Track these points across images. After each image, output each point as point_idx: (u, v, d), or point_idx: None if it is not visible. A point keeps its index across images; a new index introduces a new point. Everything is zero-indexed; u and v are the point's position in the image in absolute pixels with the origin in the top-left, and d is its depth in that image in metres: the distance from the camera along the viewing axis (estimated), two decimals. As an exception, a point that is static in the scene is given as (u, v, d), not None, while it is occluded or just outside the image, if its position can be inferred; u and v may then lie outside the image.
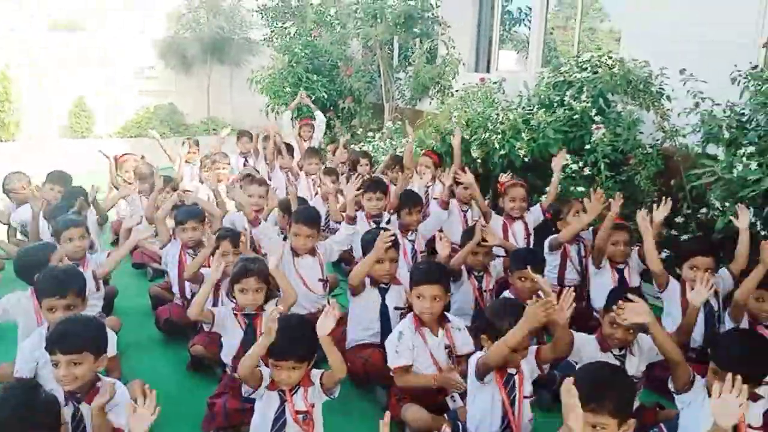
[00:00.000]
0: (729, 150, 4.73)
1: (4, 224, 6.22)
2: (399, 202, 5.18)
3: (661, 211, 4.47)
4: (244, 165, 8.18)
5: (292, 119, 9.51)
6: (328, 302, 4.50)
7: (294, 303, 3.67)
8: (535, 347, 3.17)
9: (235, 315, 3.61)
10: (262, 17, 11.46)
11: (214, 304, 4.00)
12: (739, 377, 2.30)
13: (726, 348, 2.81)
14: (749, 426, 2.73)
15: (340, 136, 9.26)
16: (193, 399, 3.84)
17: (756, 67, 5.11)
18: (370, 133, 8.77)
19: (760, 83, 4.94)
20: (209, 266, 4.24)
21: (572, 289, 3.04)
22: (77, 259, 4.32)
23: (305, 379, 2.93)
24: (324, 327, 2.82)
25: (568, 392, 2.17)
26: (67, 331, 2.74)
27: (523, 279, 3.94)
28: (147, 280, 5.73)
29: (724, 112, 5.19)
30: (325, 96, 10.23)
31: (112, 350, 3.63)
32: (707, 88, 5.30)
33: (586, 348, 3.38)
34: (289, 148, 7.72)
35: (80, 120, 14.54)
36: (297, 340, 2.84)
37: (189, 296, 4.63)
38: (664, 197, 4.66)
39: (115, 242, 6.63)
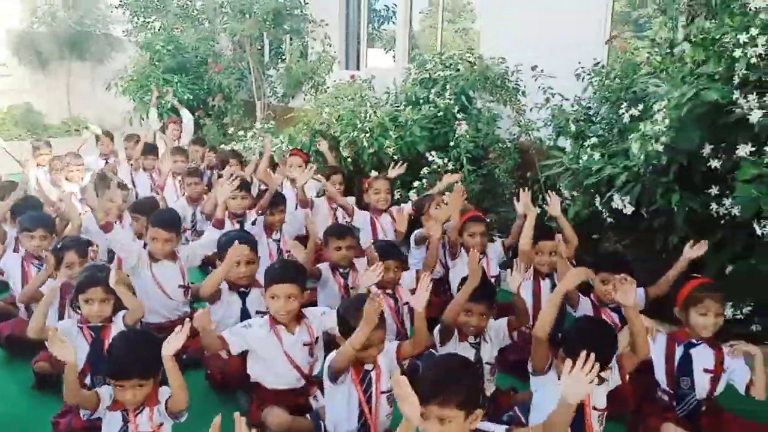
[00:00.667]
0: (576, 142, 5.04)
1: None
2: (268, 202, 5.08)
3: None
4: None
5: (159, 118, 9.14)
6: (191, 311, 4.40)
7: (141, 317, 3.47)
8: (395, 344, 3.18)
9: (80, 328, 3.39)
10: (124, 12, 10.88)
11: (60, 317, 3.74)
12: (592, 355, 2.42)
13: (572, 334, 2.93)
14: (594, 408, 2.88)
15: (211, 136, 9.01)
16: (39, 419, 3.57)
17: (598, 63, 5.46)
18: (241, 132, 8.56)
19: (601, 79, 5.29)
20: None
21: (428, 276, 3.07)
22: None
23: (151, 398, 2.77)
24: (170, 346, 2.67)
25: (398, 383, 2.18)
26: None
27: (387, 270, 3.96)
28: (-8, 295, 5.27)
29: (572, 106, 5.52)
30: (191, 97, 9.88)
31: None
32: (557, 84, 5.62)
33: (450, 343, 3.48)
34: (154, 149, 7.39)
35: None
36: (140, 356, 2.68)
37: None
38: (522, 189, 4.87)
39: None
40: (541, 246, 4.13)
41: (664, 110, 4.01)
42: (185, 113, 8.92)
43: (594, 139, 4.75)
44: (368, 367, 3.01)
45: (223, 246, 3.96)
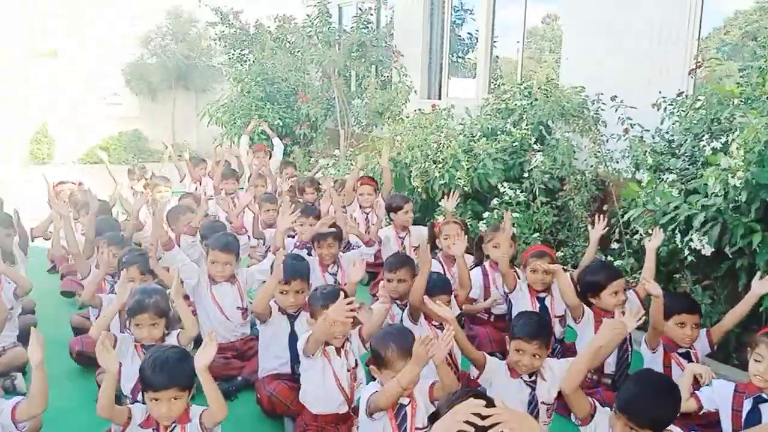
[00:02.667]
0: (653, 175, 4.77)
1: None
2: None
3: (597, 230, 4.55)
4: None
5: (249, 146, 9.50)
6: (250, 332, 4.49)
7: (194, 336, 3.56)
8: (429, 382, 3.08)
9: (135, 346, 3.52)
10: (221, 45, 11.49)
11: (122, 330, 3.90)
12: None
13: (629, 393, 2.62)
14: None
15: (298, 162, 9.28)
16: (97, 432, 3.74)
17: (681, 93, 5.18)
18: (322, 160, 8.76)
19: (685, 109, 5.00)
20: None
21: (450, 326, 2.98)
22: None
23: (184, 415, 2.80)
24: (202, 358, 2.73)
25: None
26: None
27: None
28: (77, 309, 5.60)
29: (653, 137, 5.25)
30: (280, 123, 10.23)
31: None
32: (637, 115, 5.37)
33: (497, 374, 3.33)
34: (233, 173, 7.67)
35: (41, 147, 14.42)
36: (176, 367, 2.73)
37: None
38: (598, 215, 4.68)
39: (51, 269, 6.55)
40: (613, 286, 3.92)
41: (739, 142, 3.74)
42: (276, 142, 9.24)
43: (672, 176, 4.48)
44: (404, 401, 2.93)
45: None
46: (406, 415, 2.92)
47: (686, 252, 4.43)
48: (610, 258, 5.57)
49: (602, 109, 5.93)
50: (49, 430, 3.53)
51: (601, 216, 4.71)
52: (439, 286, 3.86)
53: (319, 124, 10.05)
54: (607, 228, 4.65)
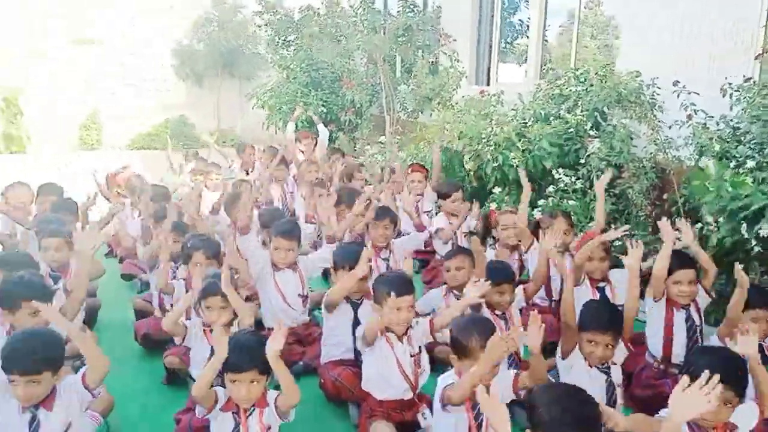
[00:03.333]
0: (720, 163, 4.63)
1: None
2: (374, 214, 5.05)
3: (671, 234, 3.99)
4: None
5: (295, 133, 9.54)
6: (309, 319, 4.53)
7: (250, 323, 3.58)
8: (513, 373, 3.06)
9: (204, 330, 3.58)
10: (266, 31, 11.54)
11: (188, 317, 3.97)
12: (716, 377, 2.19)
13: (702, 361, 2.65)
14: None
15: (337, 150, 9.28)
16: (167, 414, 3.81)
17: (749, 79, 5.02)
18: (368, 146, 8.75)
19: (751, 96, 4.85)
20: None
21: (537, 312, 2.94)
22: (57, 269, 4.34)
23: (261, 400, 2.86)
24: (274, 345, 2.75)
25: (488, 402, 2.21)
26: (24, 351, 2.70)
27: (500, 293, 3.87)
28: (136, 292, 5.73)
29: (717, 124, 5.10)
30: (324, 110, 10.24)
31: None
32: (700, 101, 5.22)
33: (578, 361, 3.33)
34: (284, 161, 7.72)
35: (90, 132, 14.74)
36: (257, 351, 2.77)
37: (168, 309, 4.62)
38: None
39: (108, 253, 6.70)
40: (680, 275, 3.79)
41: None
42: (321, 128, 9.25)
43: (751, 162, 4.35)
44: (481, 392, 2.91)
45: (341, 257, 4.03)
46: (483, 408, 2.90)
47: (753, 242, 4.32)
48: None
49: (657, 94, 5.78)
50: (121, 411, 3.62)
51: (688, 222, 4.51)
52: (501, 274, 3.84)
53: (364, 110, 10.02)
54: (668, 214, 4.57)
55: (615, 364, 3.38)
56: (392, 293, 3.33)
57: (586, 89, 6.27)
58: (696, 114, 5.21)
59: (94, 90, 14.65)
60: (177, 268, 4.61)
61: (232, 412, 2.84)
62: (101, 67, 14.68)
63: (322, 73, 10.70)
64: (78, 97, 14.47)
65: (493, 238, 5.41)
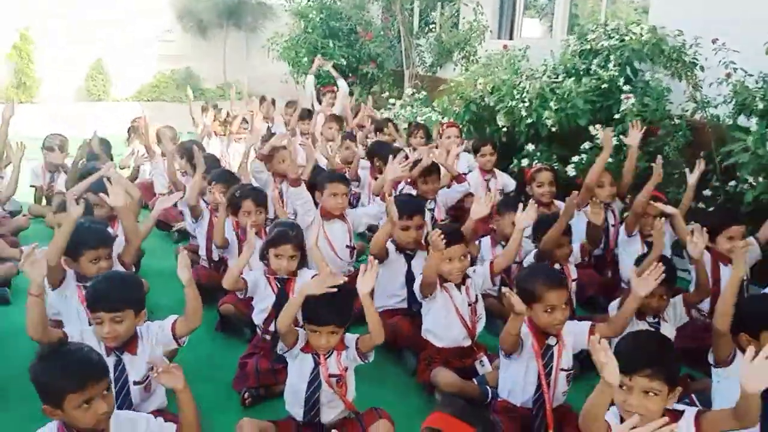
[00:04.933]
0: (762, 122, 4.66)
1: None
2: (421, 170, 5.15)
3: (695, 175, 4.59)
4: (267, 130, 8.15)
5: (315, 86, 9.45)
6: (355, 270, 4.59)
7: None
8: (587, 325, 3.11)
9: (268, 278, 3.63)
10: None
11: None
12: None
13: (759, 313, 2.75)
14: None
15: (362, 102, 9.20)
16: (223, 359, 3.90)
17: (792, 36, 5.00)
18: (391, 101, 8.68)
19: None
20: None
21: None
22: (107, 219, 4.37)
23: (340, 344, 2.95)
24: (365, 283, 2.84)
25: (599, 349, 2.11)
26: (109, 290, 2.79)
27: (560, 246, 3.97)
28: (172, 242, 5.76)
29: (757, 83, 5.11)
30: (344, 62, 10.12)
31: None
32: (739, 58, 5.21)
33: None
34: (309, 114, 7.68)
35: (97, 83, 14.53)
36: (337, 305, 2.86)
37: (216, 258, 4.67)
38: (698, 160, 4.72)
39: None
40: (733, 231, 3.88)
41: None
42: (342, 83, 9.16)
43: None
44: (551, 341, 3.00)
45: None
46: (553, 355, 2.99)
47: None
48: (701, 204, 5.53)
49: (699, 54, 5.75)
50: (182, 356, 3.69)
51: (700, 160, 4.69)
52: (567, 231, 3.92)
53: (384, 63, 9.91)
54: (703, 172, 4.65)
55: (666, 321, 3.47)
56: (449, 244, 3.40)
57: (617, 44, 6.21)
58: (735, 72, 5.21)
59: (96, 40, 14.37)
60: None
61: (312, 354, 2.93)
62: (103, 15, 14.38)
63: (339, 25, 10.54)
64: (82, 47, 14.21)
65: (527, 195, 5.45)
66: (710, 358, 2.96)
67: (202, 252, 4.76)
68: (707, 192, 5.50)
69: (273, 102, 8.60)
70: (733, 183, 5.32)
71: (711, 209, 5.23)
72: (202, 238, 4.73)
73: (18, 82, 13.58)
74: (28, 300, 2.85)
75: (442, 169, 5.28)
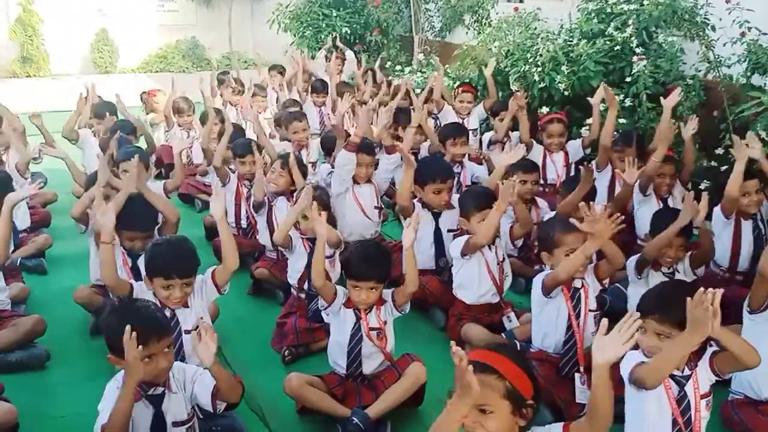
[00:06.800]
0: (776, 79, 4.75)
1: None
2: (442, 134, 5.27)
3: (688, 129, 4.66)
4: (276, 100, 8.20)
5: (326, 57, 9.46)
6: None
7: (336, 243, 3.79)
8: (592, 265, 3.30)
9: (302, 240, 3.77)
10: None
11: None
12: None
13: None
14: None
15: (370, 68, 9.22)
16: (259, 320, 4.07)
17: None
18: (399, 67, 8.72)
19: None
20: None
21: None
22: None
23: (379, 299, 3.10)
24: (409, 237, 3.03)
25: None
26: (180, 257, 2.99)
27: (523, 182, 4.25)
28: (196, 212, 5.89)
29: (770, 41, 5.17)
30: (348, 31, 10.09)
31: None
32: (753, 17, 5.25)
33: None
34: (323, 84, 7.73)
35: (103, 55, 14.46)
36: (377, 262, 3.02)
37: (245, 225, 4.81)
38: (690, 116, 4.84)
39: (158, 175, 6.80)
40: (748, 185, 3.97)
41: None
42: (350, 54, 9.16)
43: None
44: (577, 284, 3.17)
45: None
46: (581, 297, 3.16)
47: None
48: (714, 163, 5.64)
49: (711, 14, 5.79)
50: (220, 319, 3.82)
51: (692, 116, 4.82)
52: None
53: (390, 30, 9.89)
54: (696, 129, 4.71)
55: (680, 273, 3.61)
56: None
57: (640, 5, 6.23)
58: (749, 31, 5.27)
59: (97, 13, 14.25)
60: (251, 186, 4.75)
61: (354, 309, 3.08)
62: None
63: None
64: (86, 18, 14.12)
65: (540, 141, 5.61)
66: (746, 304, 3.01)
67: (231, 219, 4.88)
68: (720, 151, 5.61)
69: (283, 71, 8.63)
70: (745, 142, 5.42)
71: (724, 168, 5.33)
72: (230, 204, 4.84)
73: (23, 57, 13.56)
74: (101, 248, 3.10)
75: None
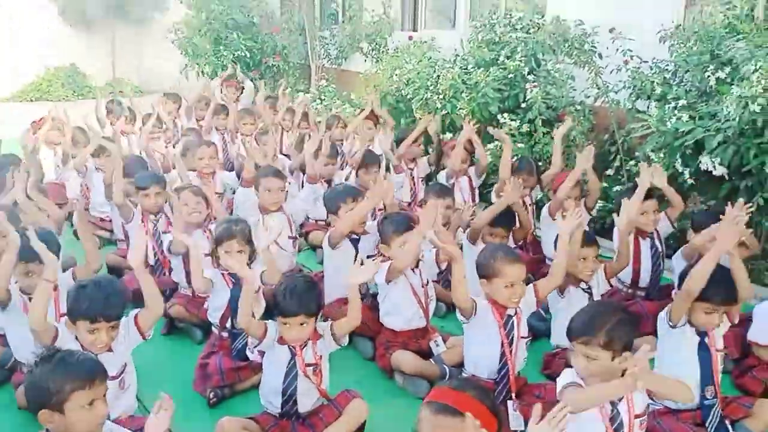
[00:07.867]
0: (660, 105, 5.15)
1: None
2: (360, 161, 5.30)
3: (587, 158, 4.67)
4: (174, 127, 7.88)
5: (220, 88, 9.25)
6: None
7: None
8: (532, 285, 3.36)
9: (222, 274, 3.63)
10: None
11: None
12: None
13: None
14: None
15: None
16: (177, 362, 3.85)
17: (679, 26, 5.55)
18: (299, 94, 8.70)
19: (682, 42, 5.38)
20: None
21: None
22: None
23: (314, 334, 3.02)
24: (361, 274, 3.07)
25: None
26: (109, 298, 2.77)
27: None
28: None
29: (651, 69, 5.62)
30: (248, 55, 9.98)
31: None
32: (635, 46, 5.69)
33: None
34: (225, 109, 7.54)
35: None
36: (306, 296, 2.92)
37: (152, 263, 4.57)
38: (588, 145, 5.13)
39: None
40: (646, 206, 4.21)
41: (760, 72, 4.15)
42: (248, 84, 9.02)
43: (683, 101, 4.88)
44: (511, 312, 3.22)
45: (331, 198, 4.25)
46: (514, 325, 3.21)
47: (686, 176, 4.88)
48: (605, 184, 6.01)
49: (597, 42, 6.19)
50: (137, 362, 3.59)
51: (591, 147, 4.97)
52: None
53: (289, 56, 9.88)
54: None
55: (596, 286, 3.80)
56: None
57: (524, 37, 6.59)
58: (632, 59, 5.70)
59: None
60: (158, 221, 4.54)
61: (288, 345, 2.98)
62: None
63: (238, 18, 10.34)
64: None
65: (443, 166, 5.77)
66: (665, 317, 3.14)
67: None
68: (610, 171, 6.01)
69: (178, 99, 8.33)
70: (632, 162, 5.84)
71: (616, 189, 5.67)
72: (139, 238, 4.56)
73: None
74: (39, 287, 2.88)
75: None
